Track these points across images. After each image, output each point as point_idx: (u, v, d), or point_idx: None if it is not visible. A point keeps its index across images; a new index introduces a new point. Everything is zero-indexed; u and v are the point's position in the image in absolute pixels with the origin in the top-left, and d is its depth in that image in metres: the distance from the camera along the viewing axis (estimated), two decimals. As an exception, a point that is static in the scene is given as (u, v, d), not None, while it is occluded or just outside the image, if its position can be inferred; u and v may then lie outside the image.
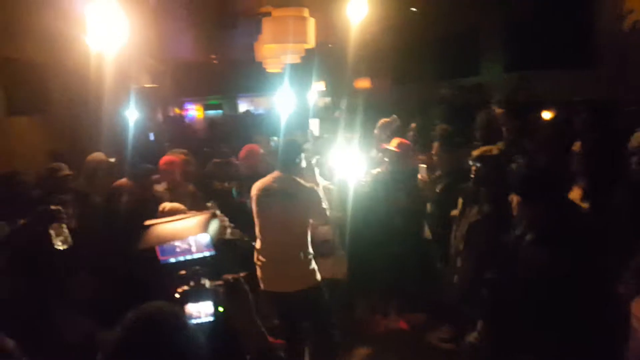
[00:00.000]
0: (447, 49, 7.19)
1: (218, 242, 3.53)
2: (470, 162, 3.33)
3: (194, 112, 17.83)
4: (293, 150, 3.52)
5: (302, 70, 10.42)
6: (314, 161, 3.80)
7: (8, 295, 3.00)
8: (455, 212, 3.60)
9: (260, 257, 3.49)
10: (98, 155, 4.93)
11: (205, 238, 2.02)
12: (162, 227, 2.09)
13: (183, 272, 1.96)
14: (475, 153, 3.34)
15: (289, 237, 3.39)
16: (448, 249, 3.68)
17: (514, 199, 2.61)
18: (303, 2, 5.08)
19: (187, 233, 2.01)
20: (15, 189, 4.66)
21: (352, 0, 4.92)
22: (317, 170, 3.76)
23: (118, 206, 4.43)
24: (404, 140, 4.42)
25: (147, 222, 2.09)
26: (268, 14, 5.14)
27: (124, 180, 4.47)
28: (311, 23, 5.08)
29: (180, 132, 10.01)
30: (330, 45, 10.65)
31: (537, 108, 4.62)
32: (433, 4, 6.13)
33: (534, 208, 2.50)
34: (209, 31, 8.06)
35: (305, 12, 5.07)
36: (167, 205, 3.76)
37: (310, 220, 3.44)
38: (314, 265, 3.48)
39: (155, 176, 4.77)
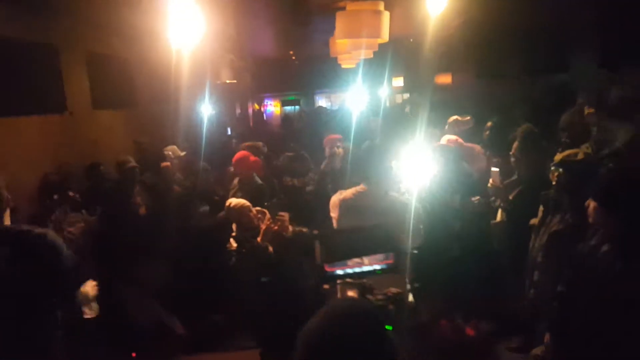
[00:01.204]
0: (533, 43, 6.70)
1: (284, 240, 3.56)
2: (552, 167, 3.05)
3: (272, 107, 18.18)
4: (381, 157, 2.99)
5: (377, 65, 10.27)
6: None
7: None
8: (534, 221, 3.32)
9: None
10: (172, 149, 5.13)
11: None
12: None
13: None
14: (558, 157, 3.07)
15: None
16: (519, 260, 3.41)
17: (591, 204, 2.35)
18: (380, -5, 4.91)
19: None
20: (96, 179, 4.98)
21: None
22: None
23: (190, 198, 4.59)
24: (455, 138, 4.16)
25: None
26: (343, 8, 5.04)
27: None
28: (385, 17, 4.91)
29: (256, 127, 10.21)
30: (411, 40, 10.38)
31: (633, 107, 4.16)
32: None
33: (613, 217, 2.26)
34: (286, 27, 8.11)
35: (380, 6, 4.91)
36: (232, 201, 3.82)
37: None
38: None
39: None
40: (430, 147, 4.34)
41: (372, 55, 6.02)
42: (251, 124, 13.42)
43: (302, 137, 7.47)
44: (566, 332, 2.53)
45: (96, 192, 4.74)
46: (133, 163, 4.64)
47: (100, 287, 3.17)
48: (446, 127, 4.67)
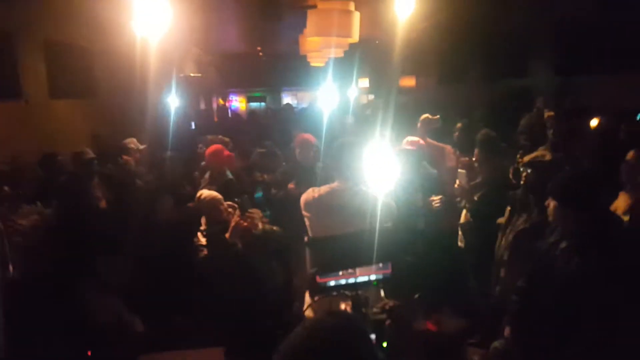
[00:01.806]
0: (495, 49, 6.91)
1: (252, 237, 3.51)
2: (521, 168, 3.14)
3: (237, 103, 18.01)
4: (354, 154, 2.84)
5: (345, 65, 10.33)
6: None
7: (43, 273, 3.03)
8: (501, 220, 3.40)
9: None
10: (131, 141, 5.01)
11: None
12: None
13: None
14: (526, 158, 3.16)
15: None
16: (484, 258, 3.50)
17: (551, 204, 2.44)
18: (349, -5, 4.94)
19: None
20: (51, 171, 4.79)
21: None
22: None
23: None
24: (417, 140, 4.23)
25: None
26: (314, 6, 5.03)
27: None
28: (356, 17, 4.94)
29: (221, 122, 10.09)
30: (377, 42, 10.48)
31: (585, 113, 4.36)
32: (482, 2, 5.88)
33: (570, 215, 2.37)
34: (255, 23, 8.04)
35: (351, 6, 4.94)
36: (204, 193, 3.74)
37: None
38: None
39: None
40: (393, 149, 4.39)
41: (342, 55, 6.04)
42: (215, 118, 13.24)
43: (270, 133, 7.42)
44: (525, 325, 2.62)
45: (51, 184, 4.56)
46: (91, 154, 4.50)
47: (56, 282, 3.06)
48: (418, 124, 4.74)
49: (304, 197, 2.93)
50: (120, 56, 6.73)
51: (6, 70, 4.97)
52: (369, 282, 1.80)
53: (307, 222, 2.93)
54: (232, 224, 3.47)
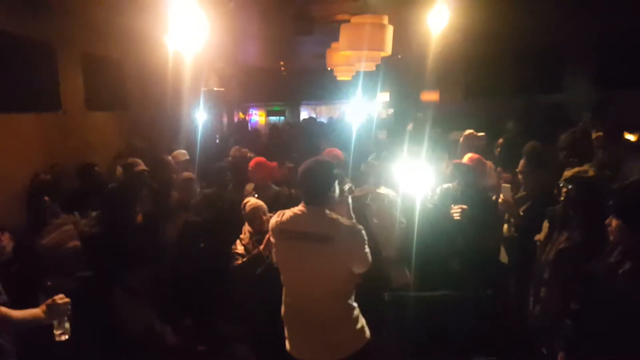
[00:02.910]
0: (528, 62, 6.84)
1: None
2: (561, 184, 3.07)
3: (257, 117, 18.13)
4: (326, 175, 2.61)
5: (368, 79, 10.35)
6: (346, 188, 2.86)
7: (78, 284, 3.04)
8: (539, 237, 3.33)
9: (288, 316, 2.72)
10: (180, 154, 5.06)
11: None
12: None
13: None
14: (568, 173, 3.07)
15: (325, 292, 2.55)
16: (526, 275, 3.42)
17: (613, 222, 2.35)
18: (380, 10, 4.96)
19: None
20: (89, 181, 4.84)
21: (433, 10, 4.73)
22: (350, 201, 2.84)
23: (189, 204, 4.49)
24: (477, 156, 4.19)
25: None
26: (347, 20, 5.06)
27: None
28: (389, 31, 4.96)
29: (244, 136, 10.12)
30: (399, 56, 10.50)
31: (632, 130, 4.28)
32: (516, 13, 5.84)
33: (635, 235, 2.26)
34: (280, 37, 8.10)
35: (385, 20, 4.96)
36: (251, 200, 3.74)
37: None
38: (360, 322, 2.67)
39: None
40: (447, 162, 4.36)
41: (373, 68, 6.05)
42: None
43: (293, 148, 7.42)
44: (582, 351, 2.50)
45: (88, 194, 4.60)
46: (142, 166, 4.46)
47: (90, 290, 3.06)
48: (461, 139, 4.69)
49: (270, 221, 2.78)
50: (152, 69, 6.84)
51: (47, 81, 5.06)
52: None
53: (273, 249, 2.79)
54: (267, 237, 3.45)
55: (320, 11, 5.80)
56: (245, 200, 3.75)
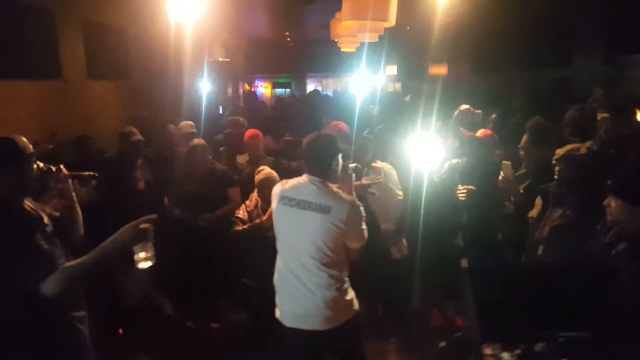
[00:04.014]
0: (536, 37, 6.66)
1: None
2: (554, 162, 3.00)
3: (263, 89, 17.99)
4: (329, 148, 2.67)
5: (374, 52, 10.19)
6: (352, 166, 2.96)
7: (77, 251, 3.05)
8: (532, 214, 3.28)
9: (280, 283, 2.75)
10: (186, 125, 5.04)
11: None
12: None
13: None
14: (560, 151, 2.98)
15: (319, 261, 2.60)
16: (521, 253, 3.40)
17: (612, 202, 2.30)
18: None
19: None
20: (84, 153, 4.83)
21: (439, -21, 4.60)
22: (354, 177, 2.89)
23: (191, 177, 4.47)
24: (489, 132, 4.12)
25: None
26: (349, -11, 4.93)
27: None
28: (393, 1, 4.84)
29: (247, 108, 10.06)
30: (407, 27, 10.30)
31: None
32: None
33: (636, 214, 2.18)
34: (287, 7, 7.96)
35: (389, -11, 4.83)
36: (265, 169, 3.73)
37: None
38: (350, 294, 2.74)
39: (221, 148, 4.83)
40: (458, 137, 4.31)
41: (377, 39, 5.93)
42: (241, 104, 13.24)
43: (297, 120, 7.35)
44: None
45: (87, 163, 4.60)
46: (138, 136, 4.46)
47: None
48: (455, 113, 4.59)
49: (273, 189, 2.80)
50: (154, 38, 6.75)
51: (47, 48, 5.00)
52: None
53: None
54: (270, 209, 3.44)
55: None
56: (260, 168, 3.73)
